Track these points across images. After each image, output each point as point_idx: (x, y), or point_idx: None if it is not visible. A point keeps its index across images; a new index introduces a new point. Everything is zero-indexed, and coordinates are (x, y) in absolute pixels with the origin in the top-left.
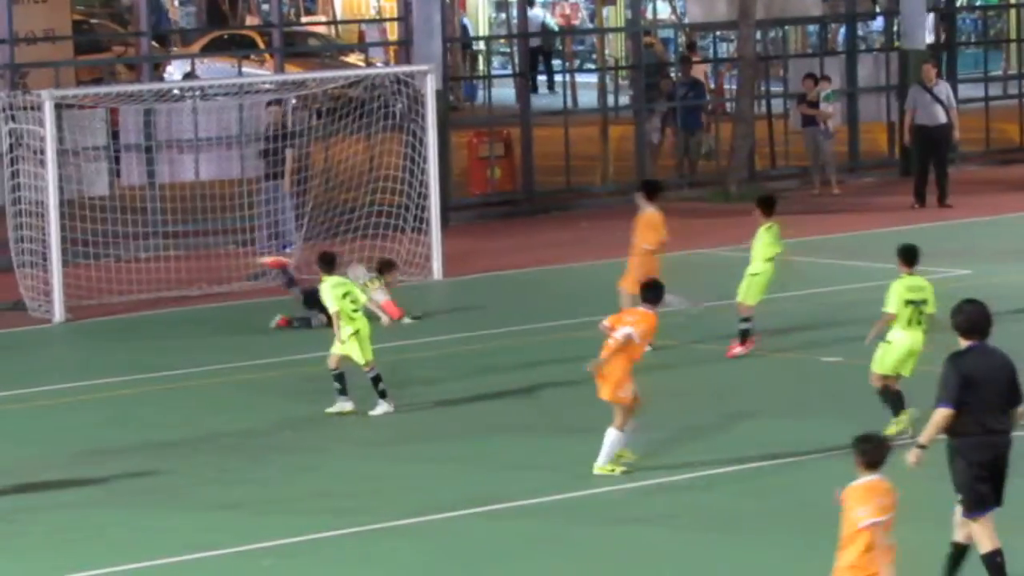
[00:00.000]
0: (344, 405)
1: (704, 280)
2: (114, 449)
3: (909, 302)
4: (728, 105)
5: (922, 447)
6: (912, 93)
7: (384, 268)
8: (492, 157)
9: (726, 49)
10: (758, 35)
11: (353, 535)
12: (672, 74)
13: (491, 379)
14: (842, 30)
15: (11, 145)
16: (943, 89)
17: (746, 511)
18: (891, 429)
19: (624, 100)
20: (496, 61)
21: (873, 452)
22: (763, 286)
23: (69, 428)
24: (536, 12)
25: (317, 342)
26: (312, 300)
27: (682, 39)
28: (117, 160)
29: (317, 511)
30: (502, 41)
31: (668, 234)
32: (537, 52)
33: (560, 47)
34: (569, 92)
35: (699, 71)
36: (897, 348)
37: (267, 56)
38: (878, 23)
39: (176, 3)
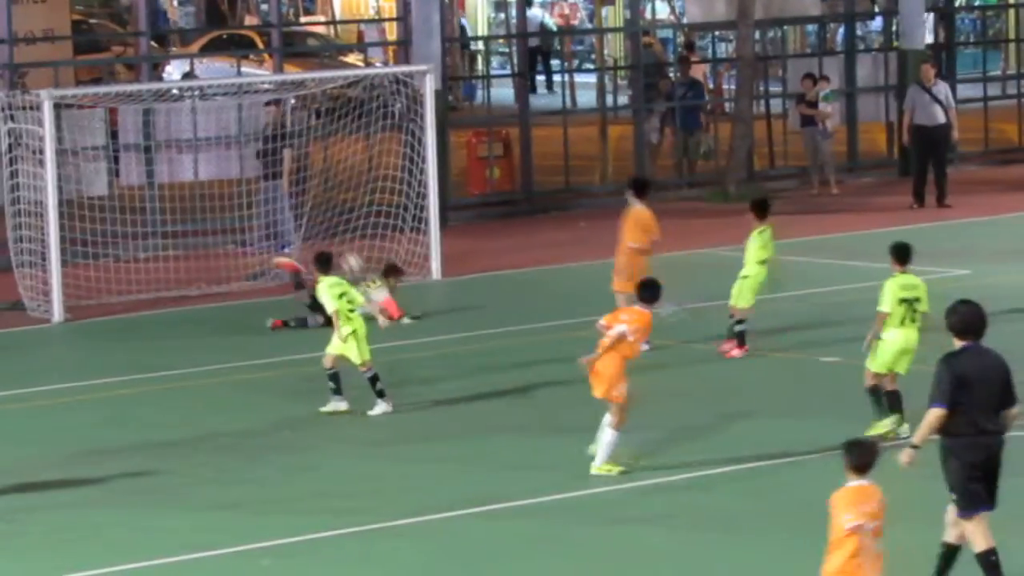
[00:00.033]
0: (338, 405)
1: (703, 280)
2: (112, 449)
3: (903, 300)
4: (727, 105)
5: (915, 447)
6: (911, 93)
7: (390, 272)
8: (491, 157)
9: (725, 49)
10: (757, 35)
11: (352, 535)
12: (671, 74)
13: (490, 379)
14: (841, 30)
15: (10, 145)
16: (942, 89)
17: (744, 511)
18: (874, 431)
19: (623, 100)
20: (495, 61)
21: (862, 456)
22: (754, 289)
23: (67, 428)
24: (535, 12)
25: (315, 342)
26: (318, 303)
27: (680, 39)
28: (116, 160)
29: (316, 511)
30: (501, 41)
31: (660, 233)
32: (536, 52)
33: (559, 47)
34: (568, 92)
35: (698, 71)
36: (890, 346)
37: (266, 56)
38: (877, 23)
39: (175, 3)
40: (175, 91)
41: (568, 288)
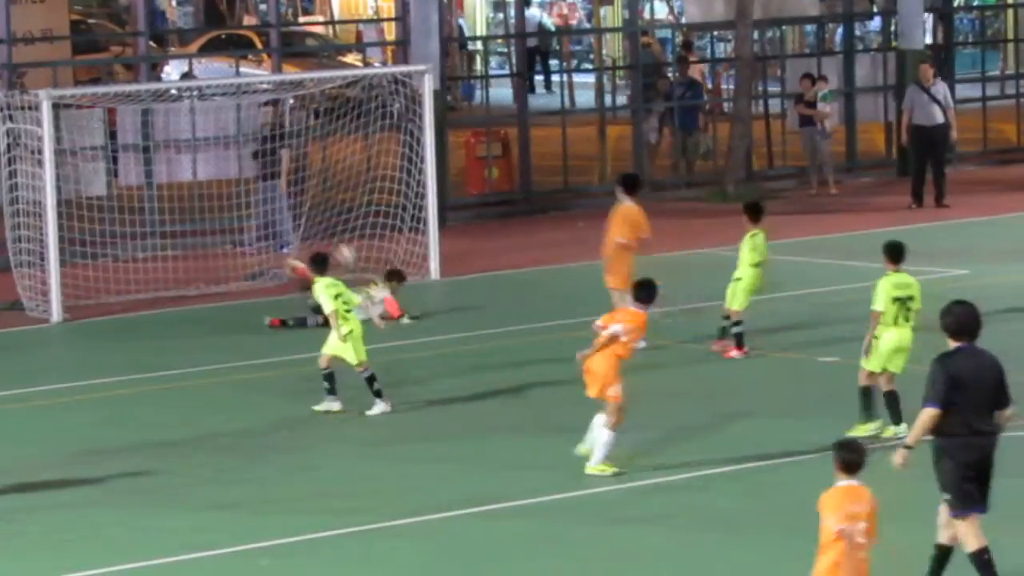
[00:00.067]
0: (331, 405)
1: (701, 280)
2: (111, 449)
3: (896, 299)
4: (725, 105)
5: (908, 448)
6: (909, 93)
7: (392, 276)
8: (490, 157)
9: (723, 49)
10: (755, 35)
11: (351, 535)
12: (669, 74)
13: (489, 379)
14: (840, 30)
15: (9, 145)
16: (940, 89)
17: (743, 511)
18: (854, 432)
19: (621, 100)
20: (493, 61)
21: (851, 456)
22: (748, 291)
23: (66, 428)
24: (533, 12)
25: (314, 342)
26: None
27: (679, 39)
28: (115, 160)
29: (315, 511)
30: (499, 41)
31: (650, 231)
32: (534, 52)
33: (558, 47)
34: (567, 92)
35: (696, 71)
36: (884, 344)
37: (265, 56)
38: (875, 23)
39: (174, 3)
40: (174, 91)
41: (567, 288)
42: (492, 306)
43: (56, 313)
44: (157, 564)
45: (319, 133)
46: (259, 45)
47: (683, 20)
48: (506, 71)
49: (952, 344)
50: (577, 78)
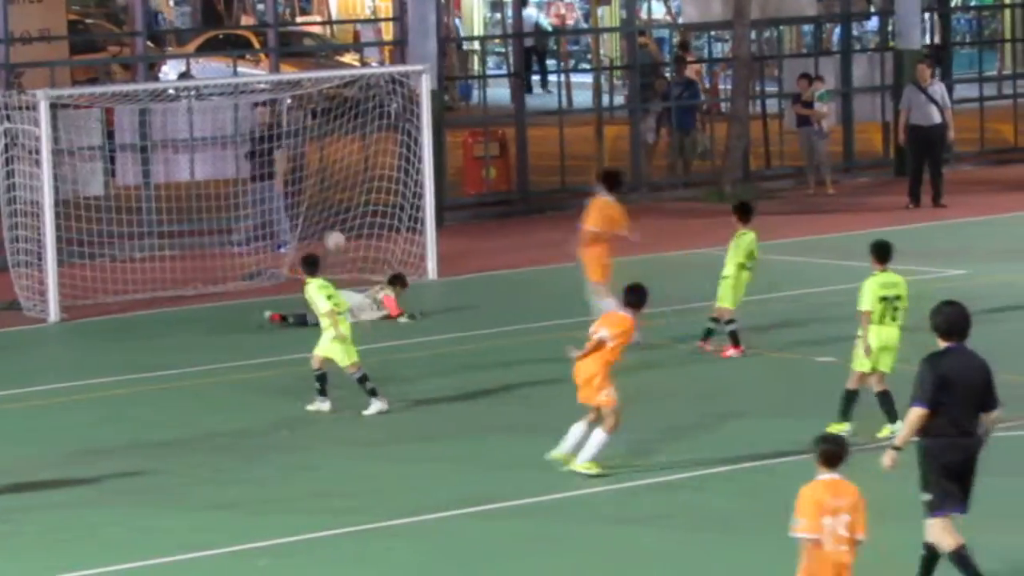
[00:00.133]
0: (321, 405)
1: (698, 280)
2: (108, 449)
3: (882, 298)
4: (723, 105)
5: (897, 449)
6: (907, 93)
7: (395, 281)
8: (487, 157)
9: (721, 49)
10: (753, 35)
11: (348, 535)
12: (666, 74)
13: (485, 379)
14: (837, 30)
15: (6, 145)
16: (938, 89)
17: (740, 511)
18: (833, 428)
19: (619, 100)
20: (491, 61)
21: (831, 449)
22: (734, 289)
23: (63, 428)
24: (529, 12)
25: (312, 341)
26: None
27: (676, 39)
28: (112, 160)
29: (312, 511)
30: (496, 41)
31: (627, 228)
32: (531, 52)
33: (555, 47)
34: (564, 92)
35: (692, 71)
36: (871, 343)
37: (262, 56)
38: (873, 23)
39: (171, 3)
40: (171, 91)
41: (564, 288)
42: (489, 306)
43: (53, 313)
44: (154, 564)
45: (317, 133)
46: (257, 45)
47: (680, 20)
48: (503, 71)
49: (941, 344)
50: (574, 78)
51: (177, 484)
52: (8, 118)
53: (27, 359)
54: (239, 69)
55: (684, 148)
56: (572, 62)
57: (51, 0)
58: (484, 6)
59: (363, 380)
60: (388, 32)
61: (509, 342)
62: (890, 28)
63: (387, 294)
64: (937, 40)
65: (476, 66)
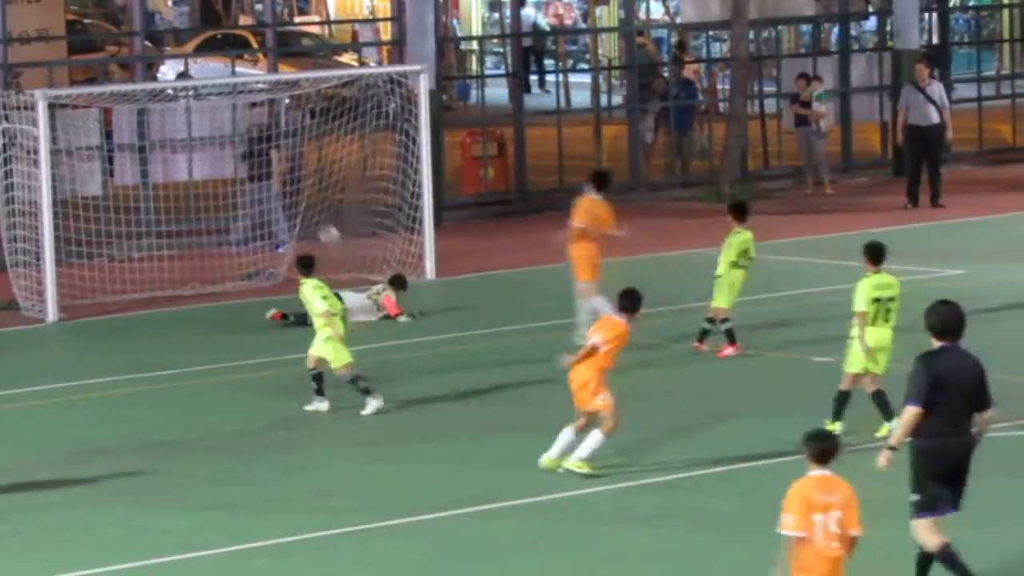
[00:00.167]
0: (319, 405)
1: (696, 280)
2: (107, 449)
3: (875, 299)
4: (721, 105)
5: (892, 448)
6: (905, 93)
7: (395, 282)
8: (485, 157)
9: (719, 49)
10: (751, 35)
11: (346, 535)
12: (665, 74)
13: (484, 379)
14: (835, 30)
15: (4, 145)
16: (936, 89)
17: (738, 511)
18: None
19: (617, 100)
20: (489, 61)
21: (821, 446)
22: (729, 288)
23: (62, 428)
24: (527, 12)
25: (310, 341)
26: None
27: (675, 39)
28: (111, 160)
29: (311, 511)
30: (495, 41)
31: (614, 227)
32: (529, 52)
33: (553, 47)
34: (562, 92)
35: (690, 71)
36: (869, 344)
37: (260, 56)
38: (871, 23)
39: (170, 3)
40: (170, 91)
41: (562, 288)
42: (487, 306)
43: (52, 313)
44: (152, 564)
45: (315, 133)
46: (255, 45)
47: (679, 20)
48: (502, 71)
49: (936, 343)
50: (573, 78)
51: (176, 484)
52: (6, 118)
53: (25, 359)
54: (237, 69)
55: (682, 148)
56: (570, 62)
57: (49, 0)
58: (482, 6)
59: (355, 381)
60: (386, 32)
61: (507, 342)
62: (888, 28)
63: (387, 295)
64: (935, 40)
65: (474, 66)
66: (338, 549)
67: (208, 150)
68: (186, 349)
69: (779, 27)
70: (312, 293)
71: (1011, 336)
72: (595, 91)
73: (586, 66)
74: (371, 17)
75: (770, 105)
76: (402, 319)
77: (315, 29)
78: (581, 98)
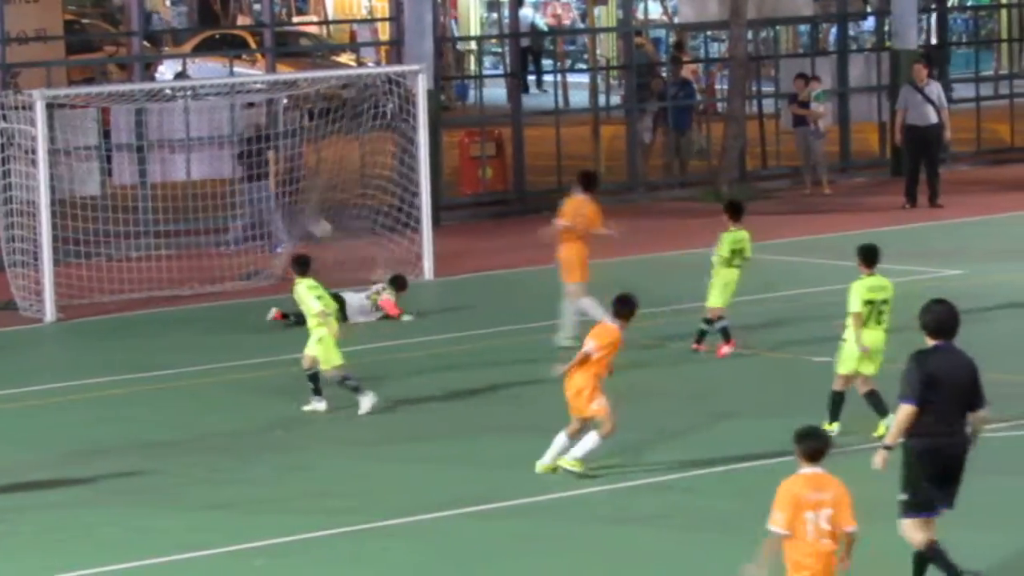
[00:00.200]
0: (317, 405)
1: (693, 281)
2: (105, 449)
3: (868, 301)
4: (719, 105)
5: (888, 448)
6: (903, 93)
7: (395, 283)
8: (483, 157)
9: (717, 49)
10: (749, 35)
11: (344, 535)
12: (663, 74)
13: (481, 379)
14: (833, 30)
15: (3, 145)
16: (934, 89)
17: (737, 511)
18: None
19: (615, 100)
20: (487, 61)
21: (812, 444)
22: (722, 288)
23: (59, 428)
24: (525, 12)
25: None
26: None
27: (672, 39)
28: (109, 159)
29: (308, 511)
30: (493, 41)
31: (601, 226)
32: (527, 52)
33: (551, 47)
34: (560, 92)
35: (688, 71)
36: (854, 348)
37: (258, 56)
38: (869, 23)
39: (168, 3)
40: (168, 91)
41: (560, 288)
42: (485, 306)
43: (50, 312)
44: (150, 564)
45: (313, 134)
46: (253, 45)
47: (677, 20)
48: (500, 71)
49: (930, 342)
50: (571, 78)
51: (173, 484)
52: (4, 118)
53: (23, 359)
54: (235, 69)
55: (680, 148)
56: (568, 62)
57: (47, 0)
58: (480, 6)
59: (343, 381)
60: (384, 32)
61: (505, 342)
62: (886, 28)
63: (387, 296)
64: (934, 40)
65: (472, 66)
66: (336, 549)
67: (206, 150)
68: (184, 349)
69: (777, 27)
70: (307, 292)
71: (1010, 336)
72: (593, 91)
73: (584, 66)
74: (369, 17)
75: (768, 105)
76: (405, 318)
77: (313, 29)
78: (579, 98)
